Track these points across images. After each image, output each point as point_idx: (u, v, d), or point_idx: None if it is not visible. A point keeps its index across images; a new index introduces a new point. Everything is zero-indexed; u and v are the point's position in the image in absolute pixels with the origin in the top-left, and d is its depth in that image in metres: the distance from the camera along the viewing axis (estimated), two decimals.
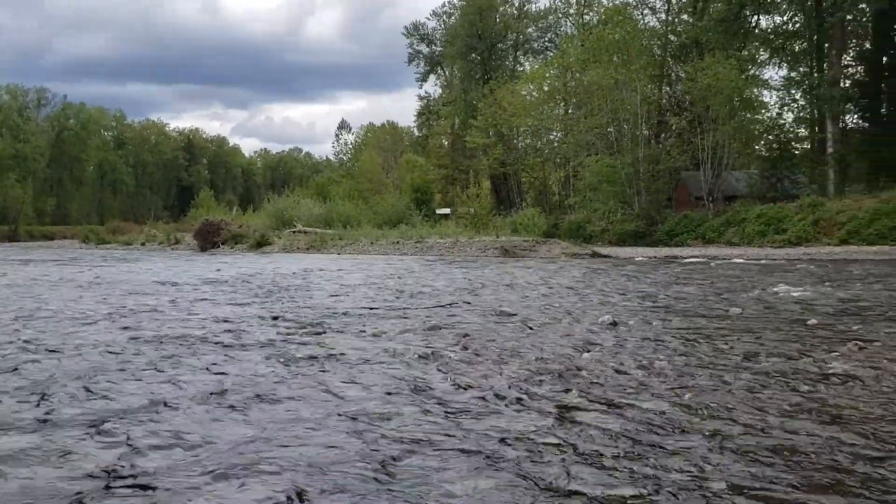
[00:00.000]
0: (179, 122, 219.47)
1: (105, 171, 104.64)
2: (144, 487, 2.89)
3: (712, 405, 4.14)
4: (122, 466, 3.12)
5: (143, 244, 46.20)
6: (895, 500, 2.72)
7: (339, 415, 3.98)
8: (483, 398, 4.34)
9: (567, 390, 4.53)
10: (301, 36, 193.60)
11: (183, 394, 4.45)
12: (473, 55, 61.63)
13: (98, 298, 10.78)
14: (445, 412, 4.02)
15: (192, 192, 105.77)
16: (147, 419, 3.87)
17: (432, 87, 76.85)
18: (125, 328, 7.33)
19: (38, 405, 4.21)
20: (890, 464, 3.12)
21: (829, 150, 37.38)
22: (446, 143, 66.67)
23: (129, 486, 2.90)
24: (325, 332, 6.99)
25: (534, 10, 62.09)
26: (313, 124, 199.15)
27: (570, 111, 50.00)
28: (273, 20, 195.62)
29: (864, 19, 39.34)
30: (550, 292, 11.86)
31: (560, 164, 50.55)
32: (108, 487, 2.90)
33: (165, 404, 4.20)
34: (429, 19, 70.21)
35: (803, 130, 42.64)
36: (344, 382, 4.78)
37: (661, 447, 3.37)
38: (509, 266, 20.91)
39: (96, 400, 4.33)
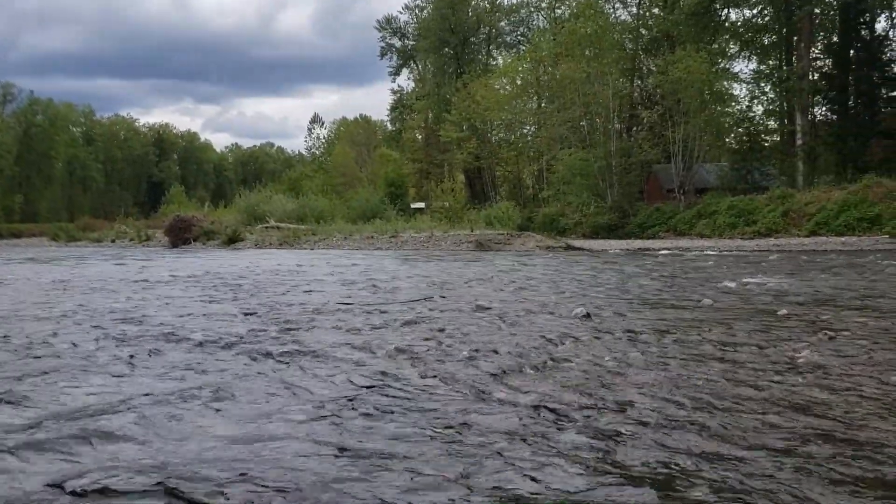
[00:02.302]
0: (149, 117, 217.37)
1: (74, 168, 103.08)
2: (100, 491, 2.84)
3: (685, 395, 4.17)
4: (76, 468, 3.07)
5: (113, 241, 45.68)
6: (864, 486, 2.76)
7: (311, 410, 3.95)
8: (458, 392, 4.33)
9: (542, 382, 4.54)
10: (272, 30, 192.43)
11: (150, 391, 4.39)
12: (446, 49, 61.57)
13: (66, 296, 10.62)
14: (420, 407, 4.01)
15: (162, 188, 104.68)
16: (109, 419, 3.81)
17: (405, 80, 76.77)
18: (93, 326, 7.22)
19: None
20: (858, 451, 3.17)
21: (799, 142, 37.92)
22: (420, 137, 66.63)
23: (78, 492, 2.85)
24: (298, 329, 6.95)
25: (506, 3, 62.21)
26: (285, 119, 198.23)
27: (542, 105, 50.22)
28: (244, 14, 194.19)
29: (832, 13, 39.87)
30: (525, 285, 11.90)
31: (534, 158, 50.75)
32: (58, 490, 2.85)
33: (129, 402, 4.14)
34: (401, 13, 70.10)
35: (773, 123, 43.24)
36: (317, 378, 4.75)
37: (635, 439, 3.39)
38: (484, 259, 20.95)
39: (50, 400, 4.25)
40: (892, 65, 37.59)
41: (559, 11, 55.16)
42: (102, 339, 6.43)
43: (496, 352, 5.61)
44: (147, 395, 4.32)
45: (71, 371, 5.05)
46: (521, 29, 63.18)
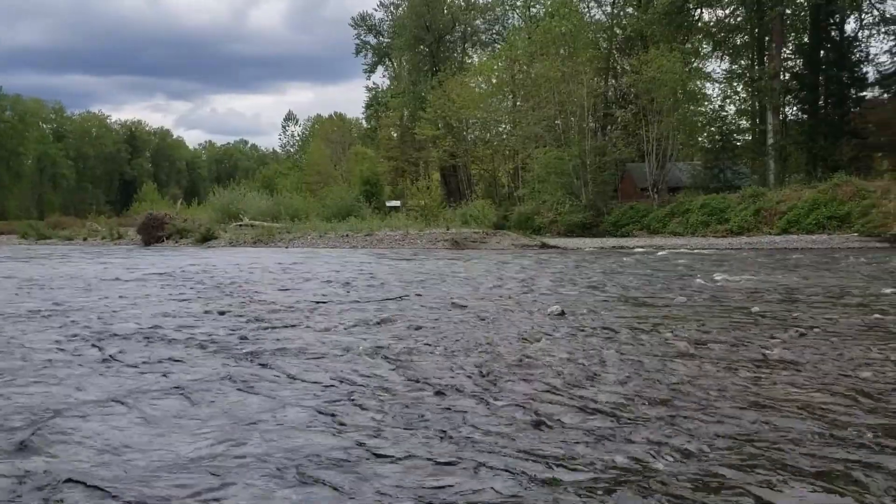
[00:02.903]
0: (121, 114, 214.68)
1: (44, 165, 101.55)
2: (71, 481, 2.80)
3: (659, 393, 4.20)
4: (48, 467, 3.02)
5: (84, 239, 45.04)
6: (833, 480, 2.80)
7: (285, 410, 3.93)
8: (434, 391, 4.33)
9: (517, 380, 4.55)
10: (246, 26, 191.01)
11: (122, 391, 4.33)
12: (421, 47, 61.51)
13: (35, 295, 10.46)
14: (395, 406, 4.00)
15: (134, 186, 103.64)
16: (80, 420, 3.76)
17: (380, 78, 76.71)
18: (63, 326, 7.12)
19: None
20: (830, 447, 3.21)
21: (770, 141, 38.37)
22: (395, 134, 66.46)
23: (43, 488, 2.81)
24: (272, 327, 6.90)
25: (481, 1, 62.25)
26: (259, 116, 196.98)
27: (518, 103, 50.31)
28: (216, 10, 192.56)
29: (802, 14, 40.37)
30: (501, 283, 11.92)
31: (509, 156, 50.88)
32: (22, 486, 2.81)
33: (102, 403, 4.08)
34: (376, 10, 69.93)
35: (745, 122, 43.75)
36: (291, 377, 4.72)
37: (609, 435, 3.41)
38: (460, 258, 20.96)
39: (21, 399, 4.19)
40: (861, 65, 38.16)
41: (534, 10, 55.33)
42: (68, 339, 6.34)
43: (472, 350, 5.62)
44: (105, 395, 4.26)
45: (31, 371, 4.98)
46: (497, 27, 63.32)
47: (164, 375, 4.81)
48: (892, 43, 37.08)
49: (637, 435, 3.40)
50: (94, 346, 5.96)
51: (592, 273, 14.28)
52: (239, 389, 4.40)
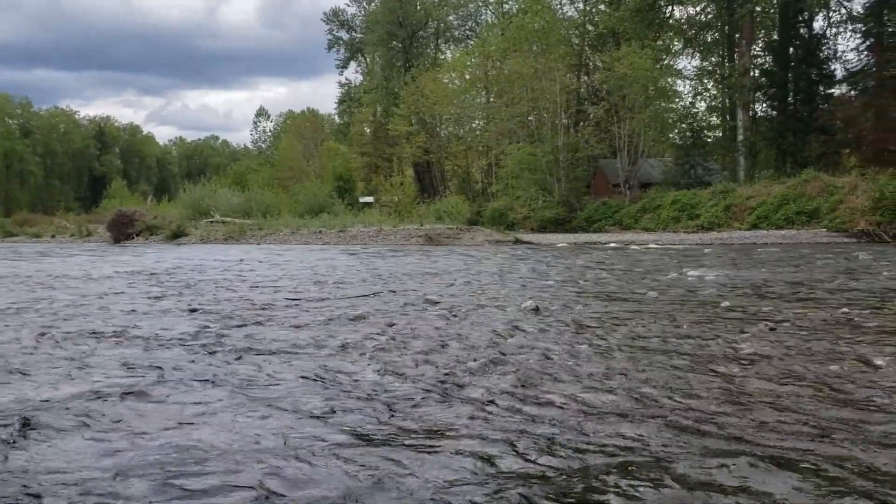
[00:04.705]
0: (90, 109, 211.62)
1: (11, 162, 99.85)
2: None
3: (632, 387, 4.22)
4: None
5: (53, 236, 44.41)
6: (804, 474, 2.83)
7: (256, 407, 3.89)
8: (408, 387, 4.31)
9: (491, 376, 4.55)
10: (218, 21, 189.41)
11: (89, 391, 4.26)
12: (394, 42, 61.37)
13: (1, 293, 10.27)
14: (368, 403, 3.98)
15: (104, 183, 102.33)
16: (47, 420, 3.69)
17: (353, 74, 76.32)
18: (30, 324, 6.99)
19: None
20: (798, 439, 3.24)
21: (740, 137, 38.84)
22: (368, 130, 66.28)
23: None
24: (244, 325, 6.84)
25: None
26: (231, 112, 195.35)
27: (491, 100, 50.39)
28: (188, 5, 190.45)
29: (772, 11, 40.85)
30: (474, 279, 11.94)
31: (482, 152, 50.97)
32: None
33: (68, 402, 4.01)
34: (348, 5, 69.52)
35: (715, 119, 44.23)
36: (264, 374, 4.68)
37: (581, 430, 3.42)
38: (434, 254, 20.95)
39: None
40: (830, 62, 38.72)
41: (507, 6, 55.46)
42: (34, 337, 6.23)
43: (446, 346, 5.61)
44: (64, 395, 4.19)
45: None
46: (470, 23, 63.38)
47: (128, 375, 4.73)
48: (859, 40, 37.62)
49: (611, 429, 3.42)
50: (57, 345, 5.86)
51: (565, 269, 14.35)
52: (207, 387, 4.35)
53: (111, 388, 4.31)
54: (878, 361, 4.79)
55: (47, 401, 4.05)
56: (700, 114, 43.31)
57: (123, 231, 37.48)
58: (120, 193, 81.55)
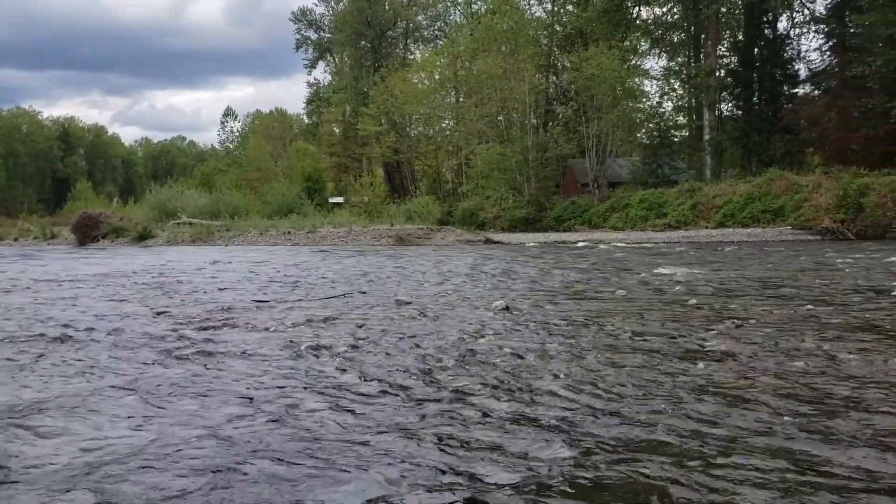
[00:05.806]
0: (54, 110, 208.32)
1: None
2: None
3: (600, 384, 4.24)
4: None
5: (16, 239, 43.56)
6: (766, 467, 2.85)
7: (220, 410, 3.85)
8: (378, 388, 4.29)
9: (462, 375, 4.54)
10: (184, 20, 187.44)
11: (50, 395, 4.18)
12: (363, 42, 61.19)
13: None
14: (339, 404, 3.95)
15: (68, 184, 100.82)
16: (7, 423, 3.61)
17: (322, 73, 75.99)
18: None
19: None
20: (766, 435, 3.28)
21: (706, 137, 39.34)
22: (337, 130, 66.00)
23: None
24: (212, 328, 6.76)
25: None
26: (198, 112, 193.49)
27: (460, 100, 50.47)
28: (153, 3, 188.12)
29: (737, 12, 41.43)
30: (445, 279, 11.93)
31: (452, 152, 51.05)
32: None
33: (25, 407, 3.93)
34: (316, 5, 69.20)
35: (682, 118, 44.77)
36: (232, 377, 4.63)
37: (551, 428, 3.42)
38: (404, 254, 20.91)
39: None
40: (793, 62, 39.36)
41: (476, 7, 55.60)
42: (3, 342, 6.10)
43: (417, 346, 5.59)
44: (18, 401, 4.11)
45: None
46: (439, 24, 63.44)
47: (89, 380, 4.64)
48: (821, 41, 38.29)
49: (581, 427, 3.43)
50: (24, 347, 5.74)
51: (536, 268, 14.40)
52: (175, 391, 4.28)
53: (70, 393, 4.24)
54: (842, 357, 4.86)
55: None
56: (667, 114, 43.83)
57: (89, 233, 36.91)
58: (85, 195, 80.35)
